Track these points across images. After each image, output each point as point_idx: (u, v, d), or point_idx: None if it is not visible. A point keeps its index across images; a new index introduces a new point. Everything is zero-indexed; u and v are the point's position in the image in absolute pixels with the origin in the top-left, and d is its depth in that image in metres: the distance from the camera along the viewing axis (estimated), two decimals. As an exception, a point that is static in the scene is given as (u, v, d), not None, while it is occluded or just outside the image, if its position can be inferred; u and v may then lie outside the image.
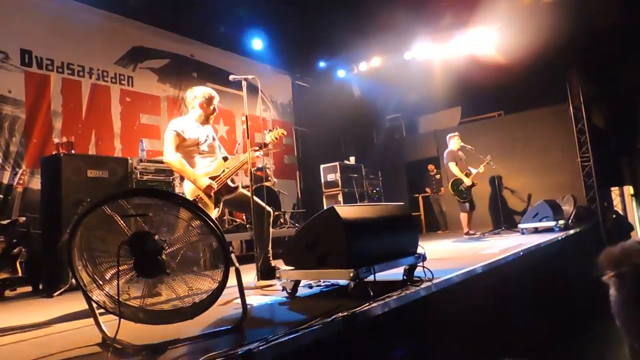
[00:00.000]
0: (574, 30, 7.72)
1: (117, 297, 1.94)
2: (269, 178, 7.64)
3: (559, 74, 9.16)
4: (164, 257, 2.02)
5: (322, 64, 10.95)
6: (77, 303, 3.12)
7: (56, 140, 5.12)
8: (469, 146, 8.04)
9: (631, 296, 1.02)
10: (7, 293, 4.37)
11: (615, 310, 1.05)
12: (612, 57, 8.61)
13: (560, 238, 6.03)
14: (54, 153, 4.74)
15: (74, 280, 2.07)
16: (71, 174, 4.46)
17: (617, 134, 9.46)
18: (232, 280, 2.08)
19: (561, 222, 7.26)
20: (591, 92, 9.21)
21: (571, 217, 8.00)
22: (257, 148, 3.99)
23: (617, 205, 9.09)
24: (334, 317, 2.16)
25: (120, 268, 1.95)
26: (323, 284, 3.26)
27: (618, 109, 9.43)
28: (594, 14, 7.52)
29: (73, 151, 4.83)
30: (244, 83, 4.03)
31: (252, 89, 4.27)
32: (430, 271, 3.10)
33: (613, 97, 9.37)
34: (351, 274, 2.59)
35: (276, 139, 4.09)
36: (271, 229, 3.93)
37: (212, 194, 3.66)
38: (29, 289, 4.56)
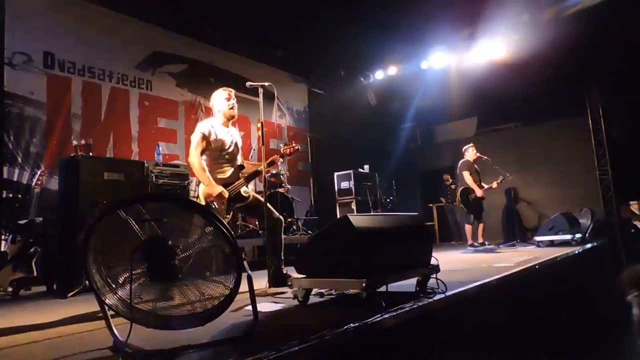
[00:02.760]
0: (593, 41, 7.64)
1: (129, 301, 1.94)
2: (283, 185, 7.64)
3: (578, 85, 9.06)
4: (176, 262, 2.03)
5: (337, 72, 10.96)
6: (90, 305, 3.14)
7: (75, 142, 5.19)
8: (485, 157, 7.98)
9: None
10: (22, 292, 4.43)
11: (638, 329, 1.03)
12: (632, 69, 8.48)
13: (576, 252, 5.93)
14: (72, 155, 4.80)
15: (87, 282, 2.09)
16: (88, 176, 4.51)
17: (637, 147, 9.30)
18: (243, 287, 2.07)
19: (578, 235, 7.14)
20: (610, 104, 9.09)
21: (588, 231, 7.87)
22: (272, 161, 4.03)
23: (637, 220, 8.92)
24: (345, 327, 2.14)
25: (133, 272, 1.96)
26: (335, 293, 3.24)
27: (637, 121, 9.28)
28: (613, 25, 7.42)
29: (91, 153, 4.88)
30: (260, 90, 4.05)
31: (269, 96, 4.28)
32: (444, 283, 3.06)
33: (632, 110, 9.23)
34: (363, 284, 2.56)
35: (289, 154, 4.12)
36: (283, 236, 3.93)
37: (223, 201, 3.68)
38: (43, 288, 4.61)
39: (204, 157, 3.82)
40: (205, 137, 3.78)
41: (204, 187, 3.73)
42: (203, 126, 3.84)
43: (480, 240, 7.93)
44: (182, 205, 2.14)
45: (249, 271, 2.10)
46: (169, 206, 2.12)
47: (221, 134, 3.88)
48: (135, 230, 2.02)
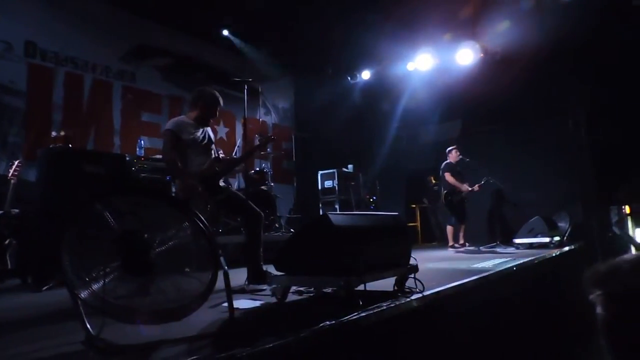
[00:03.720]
0: (576, 44, 7.75)
1: (102, 295, 1.92)
2: (266, 182, 7.62)
3: (561, 88, 9.16)
4: (152, 256, 2.00)
5: (325, 71, 10.95)
6: (64, 299, 3.09)
7: (54, 134, 5.10)
8: (468, 159, 8.06)
9: (617, 316, 1.00)
10: (-5, 285, 4.34)
11: (601, 329, 1.04)
12: (617, 71, 8.60)
13: (554, 254, 6.02)
14: (51, 146, 4.72)
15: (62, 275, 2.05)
16: (67, 168, 4.43)
17: (619, 151, 9.43)
18: (221, 283, 2.06)
19: (556, 238, 7.25)
20: (594, 108, 9.21)
21: (567, 234, 7.98)
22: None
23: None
24: (321, 325, 2.14)
25: (107, 266, 1.93)
26: (313, 291, 3.24)
27: (620, 126, 9.41)
28: (598, 25, 7.53)
29: (70, 145, 4.80)
30: (245, 86, 4.02)
31: (254, 92, 4.27)
32: (422, 283, 3.07)
33: (615, 114, 9.36)
34: (341, 283, 2.57)
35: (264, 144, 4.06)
36: (262, 233, 3.91)
37: (199, 194, 3.65)
38: (17, 282, 4.52)
39: (177, 153, 3.79)
40: (174, 133, 3.75)
41: (179, 181, 3.72)
42: (171, 123, 3.82)
43: (461, 241, 8.02)
44: (160, 199, 2.11)
45: (226, 267, 2.09)
46: (146, 199, 2.10)
47: (192, 129, 3.84)
48: (111, 224, 1.99)
